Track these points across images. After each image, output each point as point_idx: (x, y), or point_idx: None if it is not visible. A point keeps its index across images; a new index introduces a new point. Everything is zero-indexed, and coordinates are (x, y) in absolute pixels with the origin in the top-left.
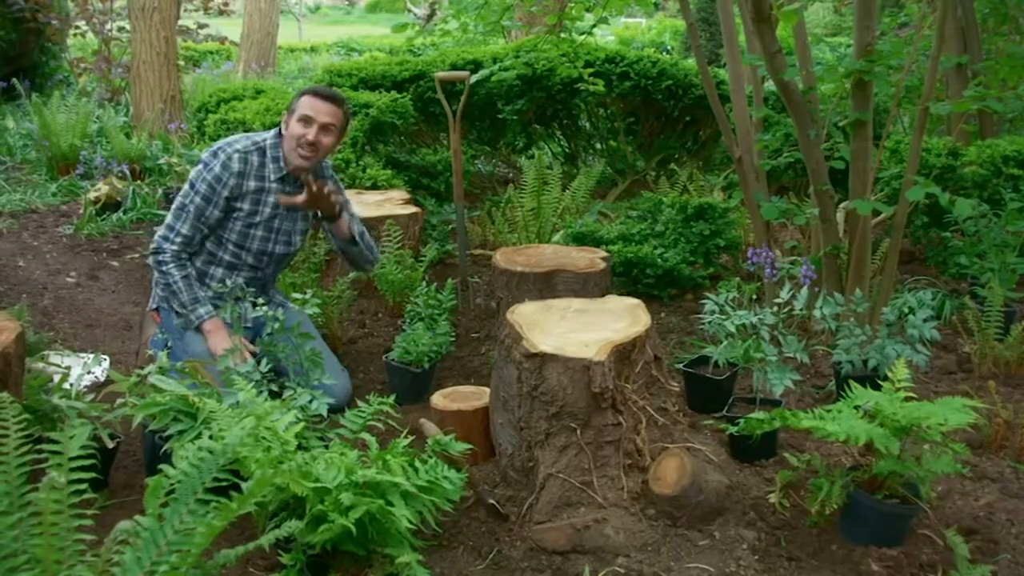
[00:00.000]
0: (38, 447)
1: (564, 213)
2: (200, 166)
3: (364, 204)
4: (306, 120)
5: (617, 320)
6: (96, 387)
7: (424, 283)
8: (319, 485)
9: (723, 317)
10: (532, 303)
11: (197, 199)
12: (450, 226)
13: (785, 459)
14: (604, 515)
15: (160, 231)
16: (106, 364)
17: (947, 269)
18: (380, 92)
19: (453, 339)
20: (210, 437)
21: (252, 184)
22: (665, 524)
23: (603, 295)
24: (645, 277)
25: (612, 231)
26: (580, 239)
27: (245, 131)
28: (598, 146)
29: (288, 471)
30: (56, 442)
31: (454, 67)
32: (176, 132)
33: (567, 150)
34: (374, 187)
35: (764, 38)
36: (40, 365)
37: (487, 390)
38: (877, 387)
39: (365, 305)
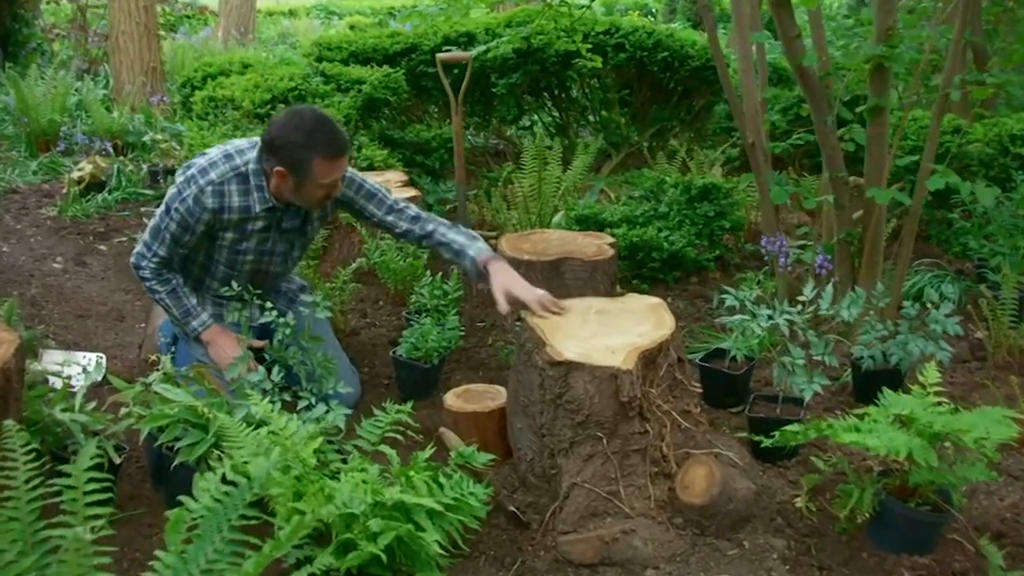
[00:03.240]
0: (50, 481)
1: (565, 195)
2: (175, 190)
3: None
4: (329, 185)
5: (640, 322)
6: (94, 386)
7: (427, 271)
8: (346, 511)
9: (749, 318)
10: None
11: (172, 225)
12: (447, 206)
13: (809, 459)
14: (632, 526)
15: (138, 246)
16: (103, 363)
17: (951, 248)
18: (372, 66)
19: (462, 333)
20: (220, 456)
21: (235, 216)
22: (693, 533)
23: (612, 283)
24: (651, 261)
25: (616, 213)
26: (583, 222)
27: (235, 109)
28: (591, 118)
29: (314, 497)
30: (68, 475)
31: (447, 40)
32: (159, 105)
33: (558, 121)
34: (370, 168)
35: (782, 22)
36: (37, 367)
37: (501, 389)
38: (897, 380)
39: (365, 292)
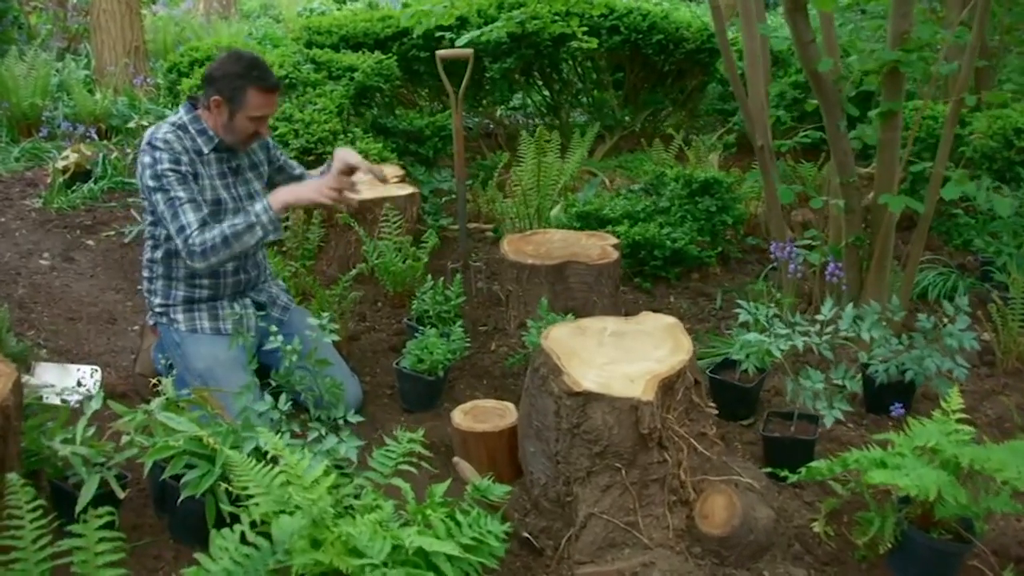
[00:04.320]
0: (59, 543)
1: (565, 191)
2: (148, 170)
3: (359, 183)
4: (259, 119)
5: (658, 346)
6: (89, 399)
7: (428, 277)
8: (366, 562)
9: (768, 340)
10: (565, 325)
11: (176, 184)
12: (443, 198)
13: (826, 481)
14: (651, 557)
15: (177, 240)
16: (98, 376)
17: (952, 240)
18: (363, 52)
19: (468, 345)
20: (234, 497)
21: (195, 157)
22: (712, 563)
23: (616, 287)
24: (653, 259)
25: (616, 208)
26: (584, 219)
27: None
28: (584, 100)
29: (332, 546)
30: (79, 535)
31: (439, 25)
32: (142, 87)
33: (549, 101)
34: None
35: (798, 27)
36: (32, 381)
37: (510, 405)
38: (910, 392)
39: (363, 294)
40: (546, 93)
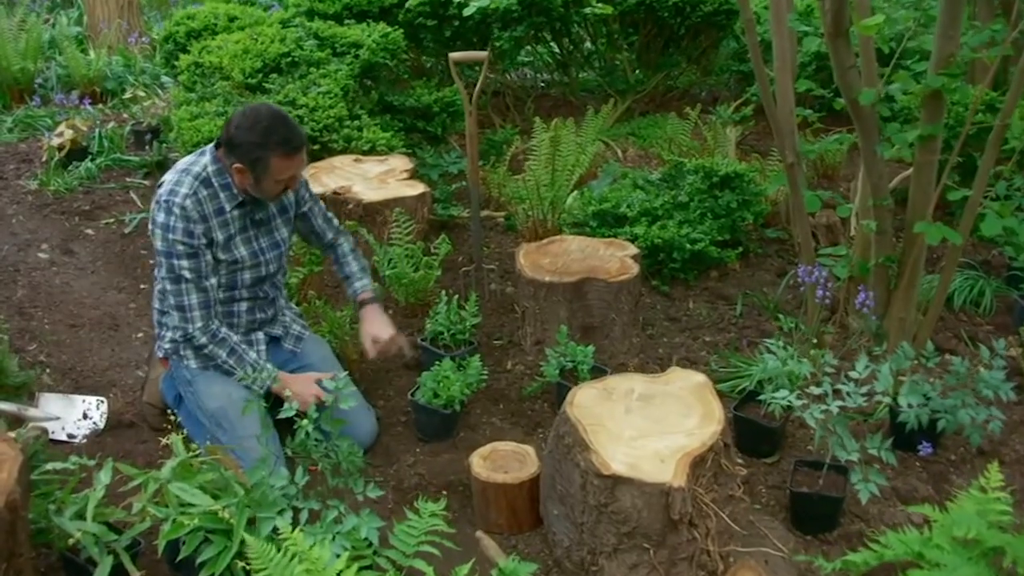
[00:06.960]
0: None
1: (581, 181)
2: (160, 231)
3: (365, 178)
4: (287, 180)
5: (687, 413)
6: (96, 434)
7: (443, 292)
8: None
9: (799, 403)
10: (591, 388)
11: (184, 262)
12: (453, 186)
13: (850, 533)
14: None
15: (173, 319)
16: (104, 408)
17: (975, 231)
18: (367, 24)
19: (484, 377)
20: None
21: (215, 220)
22: None
23: (636, 302)
24: (671, 261)
25: (635, 205)
26: (601, 217)
27: (223, 79)
28: (596, 63)
29: None
30: None
31: None
32: (137, 44)
33: (559, 58)
34: (372, 150)
35: (839, 52)
36: (37, 413)
37: (530, 451)
38: (937, 437)
39: None
40: (554, 47)
